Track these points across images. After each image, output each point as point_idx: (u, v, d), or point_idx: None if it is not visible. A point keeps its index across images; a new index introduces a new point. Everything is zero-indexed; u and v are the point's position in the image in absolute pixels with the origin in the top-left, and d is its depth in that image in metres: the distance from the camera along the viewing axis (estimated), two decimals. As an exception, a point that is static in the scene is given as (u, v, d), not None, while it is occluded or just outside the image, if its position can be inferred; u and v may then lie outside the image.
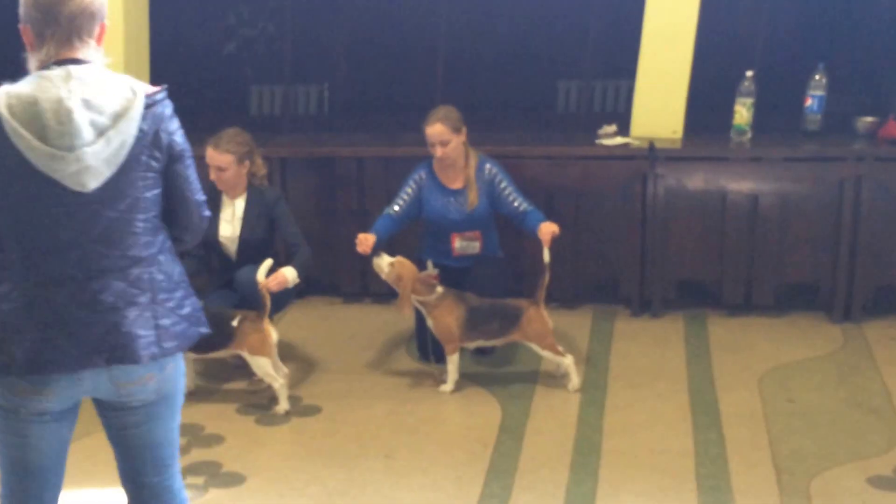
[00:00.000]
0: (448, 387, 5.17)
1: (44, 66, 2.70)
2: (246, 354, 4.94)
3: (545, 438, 4.69)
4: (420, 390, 5.23)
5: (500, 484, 4.28)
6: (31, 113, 2.59)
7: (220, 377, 5.40)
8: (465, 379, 5.27)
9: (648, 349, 5.72)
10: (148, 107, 2.73)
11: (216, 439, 4.71)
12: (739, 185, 6.01)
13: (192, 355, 5.10)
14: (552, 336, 5.18)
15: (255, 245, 5.29)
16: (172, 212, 2.90)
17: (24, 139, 2.58)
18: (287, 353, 5.57)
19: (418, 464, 4.47)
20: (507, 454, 4.54)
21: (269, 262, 4.90)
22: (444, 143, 5.35)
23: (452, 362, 5.18)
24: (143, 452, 2.98)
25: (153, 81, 6.86)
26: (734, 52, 7.37)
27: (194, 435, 4.74)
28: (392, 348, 5.79)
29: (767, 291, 6.13)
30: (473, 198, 5.44)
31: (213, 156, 5.23)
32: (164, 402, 2.93)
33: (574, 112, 7.85)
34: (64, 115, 2.60)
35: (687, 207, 6.08)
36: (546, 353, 5.18)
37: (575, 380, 5.16)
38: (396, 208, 5.44)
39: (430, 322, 5.21)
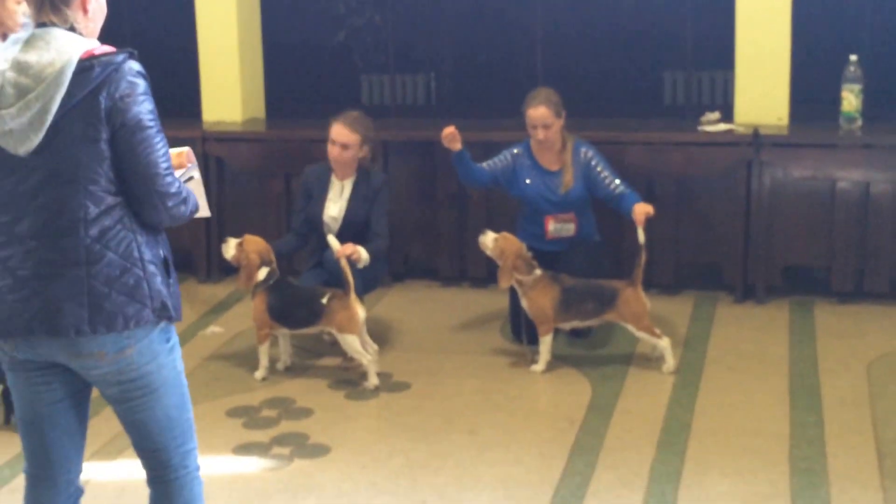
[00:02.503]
0: (539, 367, 5.11)
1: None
2: (335, 331, 4.98)
3: (634, 417, 4.59)
4: (511, 370, 5.18)
5: (583, 461, 4.20)
6: None
7: (315, 353, 5.43)
8: (558, 360, 5.20)
9: (750, 334, 5.56)
10: (83, 70, 2.56)
11: (305, 412, 4.75)
12: (850, 172, 5.82)
13: (286, 331, 5.17)
14: (648, 317, 5.08)
15: (358, 227, 5.34)
16: (127, 186, 2.67)
17: None
18: (382, 333, 5.59)
19: (502, 439, 4.43)
20: (593, 432, 4.46)
21: (331, 237, 5.05)
22: (546, 126, 5.33)
23: (545, 343, 5.12)
24: (130, 429, 2.86)
25: (267, 72, 7.10)
26: (839, 36, 7.10)
27: (285, 408, 4.79)
28: (486, 329, 5.75)
29: (881, 279, 5.90)
30: (569, 179, 5.39)
31: (342, 132, 5.29)
32: (132, 384, 2.75)
33: (682, 104, 7.69)
34: None
35: (793, 194, 5.93)
36: (642, 335, 5.09)
37: (670, 362, 5.05)
38: (485, 165, 5.49)
39: (524, 303, 5.16)
